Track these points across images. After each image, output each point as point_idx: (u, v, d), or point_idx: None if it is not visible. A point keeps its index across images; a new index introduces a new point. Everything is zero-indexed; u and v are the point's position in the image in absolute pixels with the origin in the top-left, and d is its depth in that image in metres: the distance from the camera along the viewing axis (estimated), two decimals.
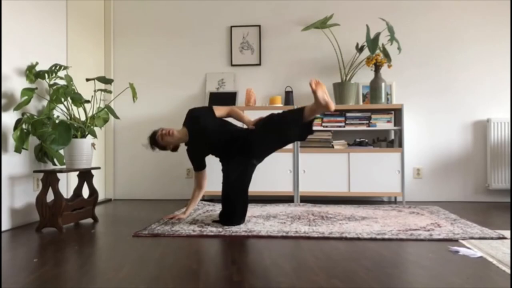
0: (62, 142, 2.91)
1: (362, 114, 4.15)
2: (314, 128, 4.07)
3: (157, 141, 3.03)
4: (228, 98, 4.35)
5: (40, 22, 3.35)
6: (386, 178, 4.01)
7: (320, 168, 4.07)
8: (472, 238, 2.49)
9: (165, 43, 4.65)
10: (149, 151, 4.61)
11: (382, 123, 4.12)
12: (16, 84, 3.05)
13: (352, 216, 3.29)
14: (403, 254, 2.23)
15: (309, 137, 4.09)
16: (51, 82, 3.21)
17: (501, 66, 4.33)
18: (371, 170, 4.03)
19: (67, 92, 3.11)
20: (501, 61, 4.33)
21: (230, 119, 3.12)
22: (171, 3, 4.65)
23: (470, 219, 3.12)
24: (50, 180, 2.90)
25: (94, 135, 3.30)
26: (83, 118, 3.34)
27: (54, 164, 3.25)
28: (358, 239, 2.53)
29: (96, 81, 3.41)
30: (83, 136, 3.19)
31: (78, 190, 3.25)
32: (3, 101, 2.93)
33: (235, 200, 2.92)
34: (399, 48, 4.07)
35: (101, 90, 3.50)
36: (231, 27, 4.58)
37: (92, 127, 3.29)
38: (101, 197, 4.38)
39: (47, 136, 2.97)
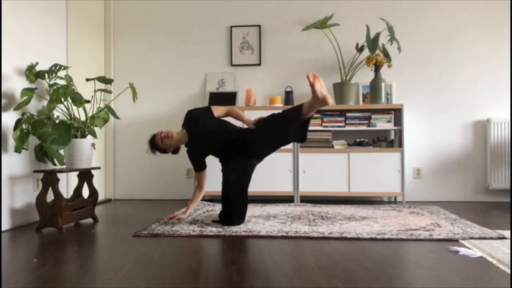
0: (62, 142, 2.91)
1: (362, 114, 4.15)
2: (315, 128, 4.14)
3: (157, 144, 3.04)
4: (228, 98, 4.35)
5: (40, 22, 3.35)
6: (386, 178, 4.01)
7: (320, 168, 4.07)
8: (472, 238, 2.49)
9: (165, 43, 4.65)
10: (147, 148, 4.63)
11: (382, 123, 4.12)
12: (16, 84, 3.05)
13: (352, 216, 3.28)
14: (403, 254, 2.23)
15: (309, 137, 4.13)
16: (51, 82, 3.21)
17: (501, 66, 4.33)
18: (371, 170, 4.03)
19: (67, 92, 3.11)
20: (501, 61, 4.34)
21: (229, 119, 3.12)
22: (171, 3, 4.65)
23: (470, 219, 3.12)
24: (50, 180, 2.90)
25: (94, 135, 3.30)
26: (83, 118, 3.34)
27: (54, 164, 3.25)
28: (358, 239, 2.53)
29: (96, 81, 3.41)
30: (83, 136, 3.19)
31: (78, 190, 3.25)
32: (3, 101, 2.93)
33: (235, 200, 2.92)
34: (399, 48, 4.07)
35: (101, 90, 3.50)
36: (231, 27, 4.58)
37: (92, 127, 3.29)
38: (101, 197, 4.38)
39: (47, 136, 2.97)
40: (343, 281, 1.75)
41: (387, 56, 4.16)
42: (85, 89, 3.47)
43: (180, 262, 2.08)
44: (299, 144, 4.08)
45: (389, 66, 4.22)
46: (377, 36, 4.05)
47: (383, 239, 2.51)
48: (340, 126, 4.16)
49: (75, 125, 3.12)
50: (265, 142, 2.93)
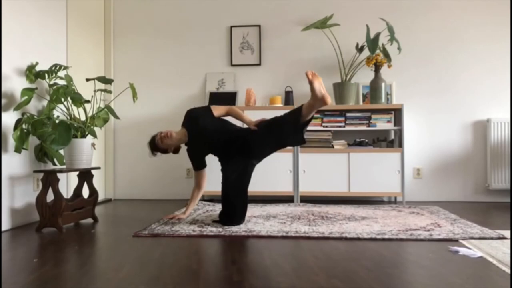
0: (62, 142, 2.91)
1: (362, 114, 4.15)
2: (314, 128, 4.14)
3: (157, 145, 3.03)
4: (228, 98, 4.35)
5: (40, 22, 3.35)
6: (386, 178, 4.01)
7: (320, 168, 4.07)
8: (472, 238, 2.49)
9: (165, 43, 4.65)
10: (148, 151, 4.63)
11: (382, 123, 4.12)
12: (16, 84, 3.05)
13: (352, 216, 3.28)
14: (403, 254, 2.23)
15: (309, 137, 4.14)
16: (51, 82, 3.21)
17: (501, 66, 4.33)
18: (371, 170, 4.03)
19: (67, 92, 3.11)
20: (501, 61, 4.34)
21: (229, 119, 3.12)
22: (171, 3, 4.65)
23: (470, 219, 3.12)
24: (50, 180, 2.90)
25: (94, 135, 3.30)
26: (83, 118, 3.34)
27: (54, 164, 3.25)
28: (358, 239, 2.53)
29: (96, 81, 3.41)
30: (83, 136, 3.19)
31: (78, 190, 3.25)
32: (3, 101, 2.93)
33: (235, 200, 2.92)
34: (399, 48, 4.07)
35: (101, 90, 3.50)
36: (231, 27, 4.58)
37: (92, 127, 3.29)
38: (101, 197, 4.38)
39: (47, 136, 2.97)
40: (343, 281, 1.75)
41: (387, 56, 4.16)
42: (85, 89, 3.47)
43: (180, 262, 2.08)
44: None
45: (389, 66, 4.22)
46: (377, 36, 4.05)
47: (383, 239, 2.51)
48: (340, 126, 4.16)
49: (75, 125, 3.12)
50: (265, 143, 2.92)
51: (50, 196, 2.91)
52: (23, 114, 3.04)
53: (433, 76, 4.40)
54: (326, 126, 4.16)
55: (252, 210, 3.56)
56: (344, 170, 4.06)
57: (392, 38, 4.00)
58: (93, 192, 3.30)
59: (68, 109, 3.21)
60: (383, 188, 4.02)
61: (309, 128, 4.12)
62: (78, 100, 3.19)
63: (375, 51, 4.04)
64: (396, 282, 1.75)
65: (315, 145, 4.13)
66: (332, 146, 4.11)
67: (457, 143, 4.36)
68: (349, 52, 4.35)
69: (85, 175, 3.28)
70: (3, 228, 2.88)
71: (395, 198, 4.31)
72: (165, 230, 2.77)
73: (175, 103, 4.59)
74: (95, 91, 3.44)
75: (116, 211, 3.88)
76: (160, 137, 3.01)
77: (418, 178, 4.38)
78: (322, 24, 4.26)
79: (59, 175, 3.01)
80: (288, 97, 4.33)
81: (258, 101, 4.47)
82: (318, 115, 4.18)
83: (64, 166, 3.19)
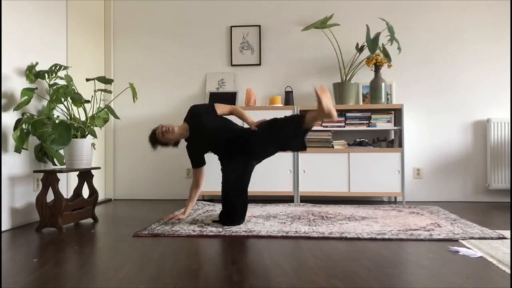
0: (62, 142, 2.91)
1: (362, 114, 4.15)
2: (315, 128, 4.13)
3: (158, 138, 3.01)
4: (228, 98, 4.35)
5: (40, 22, 3.35)
6: (386, 178, 4.01)
7: (320, 168, 4.07)
8: (472, 238, 2.49)
9: (165, 43, 4.65)
10: (148, 151, 4.63)
11: (382, 123, 4.12)
12: (16, 84, 3.05)
13: (352, 216, 3.28)
14: (403, 254, 2.23)
15: (309, 137, 4.14)
16: (51, 82, 3.21)
17: (501, 66, 4.33)
18: (371, 170, 4.03)
19: (67, 92, 3.11)
20: (501, 61, 4.34)
21: (232, 118, 3.11)
22: (171, 3, 4.65)
23: (470, 219, 3.12)
24: (50, 180, 2.90)
25: (94, 135, 3.30)
26: (83, 118, 3.34)
27: (54, 164, 3.25)
28: (358, 239, 2.53)
29: (96, 81, 3.41)
30: (83, 136, 3.19)
31: (78, 190, 3.25)
32: (3, 101, 2.93)
33: (235, 200, 2.92)
34: (399, 48, 4.07)
35: (101, 90, 3.50)
36: (231, 27, 4.58)
37: (92, 127, 3.29)
38: (101, 197, 4.38)
39: (47, 136, 2.97)
40: (343, 281, 1.75)
41: (387, 56, 4.16)
42: (85, 89, 3.47)
43: (180, 262, 2.08)
44: None
45: (389, 66, 4.22)
46: (377, 36, 4.05)
47: (383, 239, 2.51)
48: (340, 126, 4.16)
49: (75, 125, 3.12)
50: (265, 145, 2.91)
51: (50, 196, 2.91)
52: (23, 114, 3.04)
53: (433, 76, 4.40)
54: (326, 126, 4.16)
55: (252, 210, 3.56)
56: (344, 170, 4.06)
57: (392, 38, 4.00)
58: (93, 192, 3.30)
59: (68, 109, 3.21)
60: (383, 188, 4.02)
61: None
62: (78, 100, 3.19)
63: (375, 51, 4.04)
64: (396, 282, 1.75)
65: (315, 145, 4.12)
66: (332, 146, 4.11)
67: (457, 143, 4.36)
68: (349, 52, 4.35)
69: (85, 175, 3.28)
70: (3, 228, 2.88)
71: (395, 198, 4.31)
72: (165, 230, 2.77)
73: (175, 103, 4.59)
74: (95, 91, 3.44)
75: (116, 211, 3.88)
76: (161, 131, 2.97)
77: (418, 178, 4.38)
78: (322, 24, 4.26)
79: (59, 175, 3.01)
80: (288, 97, 4.33)
81: (258, 101, 4.47)
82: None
83: (64, 166, 3.19)
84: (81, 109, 3.32)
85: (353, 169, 4.05)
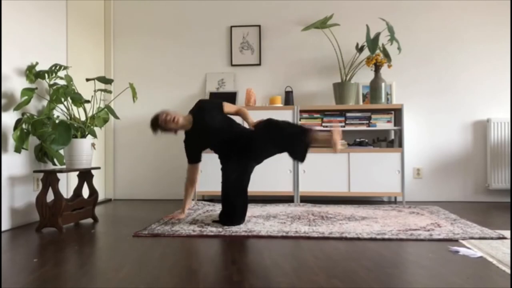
0: (62, 142, 2.91)
1: (362, 114, 4.15)
2: (315, 128, 4.13)
3: (160, 125, 2.95)
4: (228, 98, 4.34)
5: (40, 22, 3.35)
6: (386, 178, 4.01)
7: (320, 168, 4.07)
8: (472, 238, 2.49)
9: (165, 43, 4.65)
10: (149, 151, 4.63)
11: (382, 123, 4.12)
12: (16, 84, 3.05)
13: (352, 216, 3.28)
14: (403, 254, 2.23)
15: None
16: (51, 82, 3.21)
17: (501, 66, 4.33)
18: (371, 170, 4.03)
19: (67, 92, 3.11)
20: (501, 61, 4.34)
21: (236, 118, 3.11)
22: (171, 3, 4.65)
23: (470, 219, 3.12)
24: (50, 180, 2.90)
25: (94, 135, 3.30)
26: (83, 118, 3.34)
27: (54, 164, 3.25)
28: (358, 239, 2.53)
29: (96, 81, 3.41)
30: (83, 136, 3.19)
31: (78, 190, 3.25)
32: (3, 101, 2.93)
33: (235, 200, 2.91)
34: (399, 48, 4.07)
35: (101, 90, 3.50)
36: (231, 27, 4.58)
37: (92, 127, 3.29)
38: (101, 197, 4.38)
39: (47, 136, 2.97)
40: (343, 281, 1.75)
41: (387, 56, 4.16)
42: (85, 89, 3.47)
43: (180, 262, 2.08)
44: None
45: (389, 66, 4.22)
46: (377, 36, 4.05)
47: (383, 239, 2.51)
48: (340, 126, 4.15)
49: (75, 125, 3.12)
50: (266, 145, 2.89)
51: (50, 196, 2.91)
52: (23, 114, 3.04)
53: (433, 76, 4.40)
54: (326, 126, 4.16)
55: (252, 210, 3.56)
56: (344, 170, 4.06)
57: (392, 38, 4.00)
58: (93, 192, 3.30)
59: (68, 109, 3.21)
60: (383, 188, 4.02)
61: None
62: (78, 100, 3.19)
63: (375, 51, 4.04)
64: (396, 282, 1.75)
65: (315, 145, 4.11)
66: None
67: (457, 143, 4.36)
68: (349, 52, 4.35)
69: (85, 175, 3.28)
70: (3, 228, 2.88)
71: (395, 198, 4.31)
72: (165, 230, 2.77)
73: (175, 103, 4.58)
74: (95, 91, 3.44)
75: (116, 211, 3.88)
76: (165, 119, 2.91)
77: (418, 178, 4.38)
78: (322, 24, 4.26)
79: (59, 175, 3.01)
80: (288, 97, 4.33)
81: (258, 101, 4.47)
82: (318, 115, 4.18)
83: (64, 166, 3.19)
84: (81, 109, 3.32)
85: (353, 169, 4.05)
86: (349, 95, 4.18)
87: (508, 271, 1.84)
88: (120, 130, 4.65)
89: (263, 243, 2.45)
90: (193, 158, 3.08)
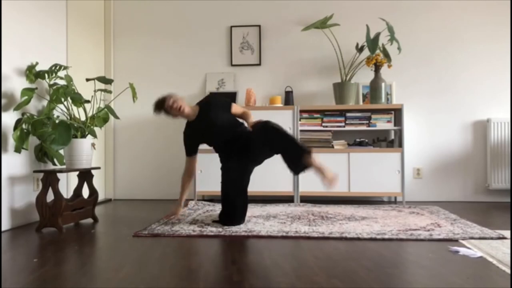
0: (62, 142, 2.91)
1: (362, 114, 4.15)
2: (315, 128, 4.14)
3: (164, 108, 2.93)
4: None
5: (40, 22, 3.35)
6: (386, 178, 4.01)
7: None
8: (472, 238, 2.49)
9: (165, 43, 4.65)
10: (149, 151, 4.63)
11: (382, 123, 4.12)
12: (16, 84, 3.05)
13: (352, 216, 3.28)
14: (403, 254, 2.23)
15: (309, 137, 4.14)
16: (51, 82, 3.21)
17: (501, 66, 4.33)
18: (371, 170, 4.03)
19: (67, 92, 3.11)
20: (501, 61, 4.34)
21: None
22: (171, 3, 4.65)
23: (470, 219, 3.12)
24: (50, 180, 2.90)
25: (94, 135, 3.30)
26: (83, 118, 3.34)
27: (54, 164, 3.25)
28: (358, 239, 2.53)
29: (96, 81, 3.41)
30: (83, 136, 3.19)
31: (78, 190, 3.25)
32: (3, 101, 2.93)
33: (235, 200, 2.91)
34: (399, 48, 4.07)
35: (101, 90, 3.50)
36: (231, 27, 4.58)
37: (92, 127, 3.29)
38: (101, 197, 4.39)
39: (47, 136, 2.97)
40: (343, 281, 1.75)
41: (387, 56, 4.16)
42: (85, 89, 3.47)
43: (180, 262, 2.08)
44: None
45: (389, 66, 4.22)
46: (377, 36, 4.05)
47: (383, 239, 2.51)
48: (340, 126, 4.15)
49: (75, 125, 3.12)
50: (262, 149, 2.87)
51: (50, 196, 2.91)
52: (23, 114, 3.04)
53: (433, 76, 4.40)
54: (326, 126, 4.16)
55: (252, 210, 3.56)
56: (344, 170, 4.06)
57: (392, 38, 4.00)
58: (93, 192, 3.30)
59: (68, 109, 3.21)
60: (383, 188, 4.02)
61: (309, 128, 4.16)
62: (78, 100, 3.19)
63: (375, 51, 4.04)
64: (396, 282, 1.75)
65: (315, 145, 4.12)
66: (332, 146, 4.11)
67: (457, 143, 4.36)
68: (349, 52, 4.35)
69: (85, 175, 3.28)
70: (3, 228, 2.88)
71: (395, 198, 4.31)
72: (165, 230, 2.77)
73: None
74: (95, 91, 3.44)
75: (116, 211, 3.88)
76: (171, 106, 2.89)
77: (418, 178, 4.38)
78: (322, 24, 4.26)
79: (59, 175, 3.01)
80: (288, 97, 4.33)
81: (258, 101, 4.47)
82: (318, 115, 4.18)
83: (64, 166, 3.19)
84: (81, 109, 3.32)
85: (353, 169, 4.05)
86: (349, 95, 4.18)
87: (508, 271, 1.84)
88: (120, 130, 4.65)
89: (263, 243, 2.45)
90: (191, 150, 3.07)
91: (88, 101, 3.37)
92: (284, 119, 4.08)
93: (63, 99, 3.11)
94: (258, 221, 3.08)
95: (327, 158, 4.07)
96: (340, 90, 4.19)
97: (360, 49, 4.22)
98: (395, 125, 4.14)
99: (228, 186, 2.92)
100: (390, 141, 4.25)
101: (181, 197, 3.12)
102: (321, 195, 4.13)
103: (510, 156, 4.16)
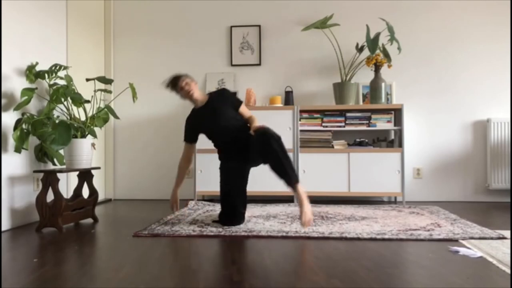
0: (62, 142, 2.91)
1: (362, 114, 4.15)
2: (315, 128, 4.14)
3: (175, 87, 2.95)
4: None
5: (40, 22, 3.35)
6: (386, 178, 4.01)
7: (320, 168, 4.07)
8: (472, 238, 2.49)
9: (165, 43, 4.65)
10: (149, 151, 4.63)
11: (382, 123, 4.12)
12: (16, 84, 3.05)
13: (352, 216, 3.28)
14: (403, 254, 2.23)
15: (309, 137, 4.14)
16: (51, 82, 3.21)
17: (501, 66, 4.33)
18: (371, 170, 4.03)
19: (67, 92, 3.11)
20: (501, 61, 4.34)
21: None
22: (171, 3, 4.65)
23: (470, 219, 3.12)
24: (50, 180, 2.90)
25: (94, 135, 3.30)
26: (83, 118, 3.34)
27: (54, 164, 3.25)
28: (358, 239, 2.53)
29: (96, 81, 3.41)
30: (83, 136, 3.19)
31: (78, 190, 3.25)
32: (3, 101, 2.93)
33: (234, 200, 2.91)
34: (399, 48, 4.07)
35: (101, 90, 3.50)
36: (231, 27, 4.58)
37: (92, 127, 3.29)
38: (101, 197, 4.39)
39: (47, 136, 2.97)
40: (343, 281, 1.75)
41: (387, 56, 4.16)
42: (85, 89, 3.47)
43: (180, 262, 2.08)
44: (299, 144, 4.08)
45: (389, 66, 4.22)
46: (377, 36, 4.05)
47: (383, 239, 2.51)
48: (340, 126, 4.16)
49: (75, 125, 3.12)
50: (258, 157, 2.84)
51: (50, 196, 2.91)
52: (23, 114, 3.04)
53: (433, 76, 4.40)
54: (326, 126, 4.16)
55: (252, 210, 3.56)
56: (344, 170, 4.06)
57: (392, 38, 4.00)
58: (93, 192, 3.30)
59: (68, 109, 3.21)
60: (383, 188, 4.02)
61: (309, 128, 4.16)
62: (78, 100, 3.19)
63: (375, 51, 4.04)
64: (396, 282, 1.75)
65: (315, 145, 4.13)
66: (332, 146, 4.11)
67: (457, 143, 4.36)
68: (349, 52, 4.35)
69: (85, 175, 3.28)
70: (3, 228, 2.88)
71: (395, 198, 4.31)
72: (165, 230, 2.77)
73: (175, 103, 4.58)
74: (95, 91, 3.44)
75: (116, 211, 3.88)
76: (181, 87, 2.92)
77: (418, 178, 4.38)
78: (322, 24, 4.26)
79: (59, 175, 3.01)
80: (288, 97, 4.33)
81: (258, 101, 4.47)
82: (318, 115, 4.19)
83: (64, 166, 3.19)
84: (81, 109, 3.32)
85: (353, 169, 4.05)
86: (349, 95, 4.18)
87: (508, 271, 1.84)
88: (120, 130, 4.65)
89: (263, 243, 2.45)
90: (190, 137, 3.07)
91: (88, 101, 3.37)
92: (284, 119, 4.08)
93: (63, 99, 3.11)
94: (258, 221, 3.08)
95: (327, 158, 4.08)
96: (340, 90, 4.19)
97: (360, 49, 4.22)
98: (395, 125, 4.14)
99: (228, 187, 2.92)
100: (390, 141, 4.25)
101: (177, 182, 3.12)
102: (321, 195, 4.13)
103: (510, 156, 4.16)
